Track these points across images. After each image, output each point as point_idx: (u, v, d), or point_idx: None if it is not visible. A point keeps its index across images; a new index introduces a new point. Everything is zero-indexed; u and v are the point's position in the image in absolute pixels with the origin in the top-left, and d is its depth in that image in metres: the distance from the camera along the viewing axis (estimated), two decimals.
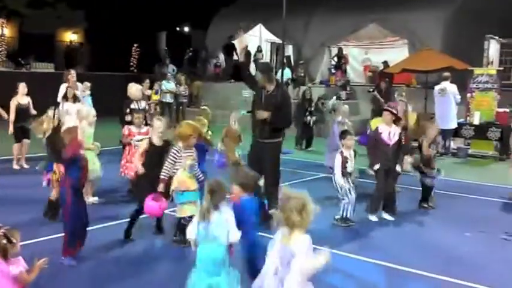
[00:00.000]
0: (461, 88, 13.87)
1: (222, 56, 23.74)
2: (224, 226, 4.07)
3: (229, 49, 21.52)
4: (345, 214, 7.27)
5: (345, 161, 7.22)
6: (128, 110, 8.57)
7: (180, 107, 18.95)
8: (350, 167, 7.26)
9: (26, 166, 10.60)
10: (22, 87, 10.64)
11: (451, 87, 13.56)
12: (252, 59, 21.11)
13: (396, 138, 7.53)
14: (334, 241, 6.50)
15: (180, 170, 6.09)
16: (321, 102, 15.68)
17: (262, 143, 7.03)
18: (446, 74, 13.84)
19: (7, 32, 24.10)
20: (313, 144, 14.36)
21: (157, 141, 6.45)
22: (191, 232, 4.18)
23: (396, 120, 7.66)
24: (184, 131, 6.13)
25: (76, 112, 8.42)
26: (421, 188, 8.48)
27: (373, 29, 20.43)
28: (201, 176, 6.22)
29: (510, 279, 5.69)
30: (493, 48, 16.24)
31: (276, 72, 15.91)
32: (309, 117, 14.39)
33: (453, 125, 13.58)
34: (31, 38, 24.91)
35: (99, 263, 5.69)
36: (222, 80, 21.96)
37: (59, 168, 6.71)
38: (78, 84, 12.37)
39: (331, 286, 5.04)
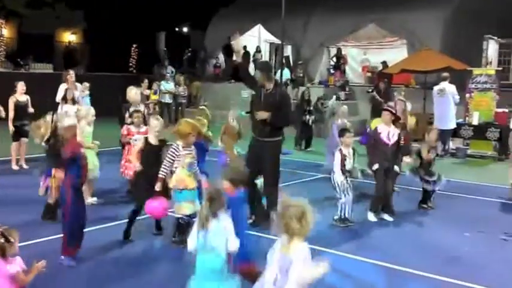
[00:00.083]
0: (460, 88, 13.88)
1: (221, 57, 23.76)
2: (222, 234, 4.04)
3: (229, 49, 21.52)
4: (343, 214, 7.27)
5: (343, 158, 7.24)
6: (127, 115, 8.58)
7: (179, 108, 18.96)
8: (349, 164, 7.28)
9: (25, 166, 10.58)
10: (21, 86, 10.64)
11: (450, 88, 13.57)
12: (251, 59, 21.14)
13: (395, 138, 7.54)
14: (333, 241, 6.53)
15: (179, 168, 6.08)
16: (320, 102, 15.68)
17: (262, 141, 6.98)
18: (445, 74, 13.85)
19: (6, 32, 24.09)
20: (313, 145, 14.36)
21: (153, 141, 6.45)
22: (191, 243, 4.14)
23: (395, 120, 7.68)
24: (183, 129, 6.12)
25: (75, 112, 8.42)
26: (419, 188, 8.49)
27: (372, 29, 20.44)
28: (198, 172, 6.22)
29: (509, 279, 5.70)
30: (491, 48, 16.24)
31: (275, 73, 15.92)
32: (307, 116, 14.41)
33: (452, 125, 13.59)
34: (30, 38, 24.87)
35: (98, 264, 5.69)
36: (221, 81, 21.96)
37: (57, 173, 6.58)
38: (77, 84, 12.37)
39: (329, 286, 5.04)
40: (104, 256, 5.93)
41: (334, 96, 16.12)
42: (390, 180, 7.69)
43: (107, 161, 9.14)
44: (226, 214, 4.15)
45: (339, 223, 7.29)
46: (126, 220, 6.45)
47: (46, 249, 5.69)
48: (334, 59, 21.35)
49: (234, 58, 7.73)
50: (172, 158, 6.08)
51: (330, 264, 3.59)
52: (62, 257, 5.51)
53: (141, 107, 9.02)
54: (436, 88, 13.88)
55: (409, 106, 10.03)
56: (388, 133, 7.53)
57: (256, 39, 23.47)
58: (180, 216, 6.13)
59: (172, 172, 6.13)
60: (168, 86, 18.66)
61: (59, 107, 10.20)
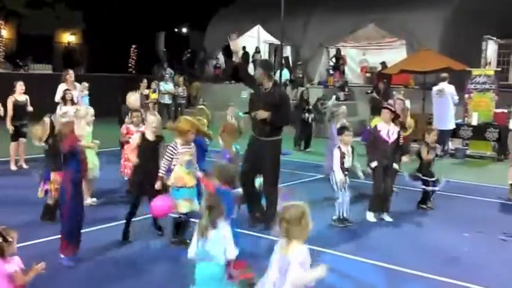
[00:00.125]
0: (459, 89, 13.90)
1: (221, 57, 23.76)
2: (221, 243, 4.02)
3: (229, 50, 21.51)
4: (341, 214, 7.28)
5: (342, 156, 7.24)
6: (127, 119, 8.60)
7: (179, 108, 18.95)
8: (347, 162, 7.29)
9: (25, 166, 10.56)
10: (19, 85, 10.63)
11: (449, 88, 13.59)
12: (250, 60, 21.14)
13: (395, 136, 7.54)
14: (332, 242, 6.53)
15: (177, 166, 6.07)
16: (320, 103, 15.69)
17: (262, 141, 6.93)
18: (444, 74, 13.86)
19: (5, 33, 24.08)
20: (312, 145, 14.35)
21: (150, 136, 6.42)
22: (191, 252, 4.13)
23: (395, 118, 7.69)
24: (182, 127, 6.11)
25: (74, 112, 8.41)
26: (419, 189, 8.48)
27: (371, 30, 20.46)
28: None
29: (508, 280, 5.70)
30: (490, 49, 16.28)
31: (275, 73, 15.93)
32: (307, 114, 14.42)
33: (451, 125, 13.61)
34: (29, 39, 24.87)
35: (97, 264, 5.68)
36: (221, 81, 21.96)
37: (56, 177, 6.54)
38: (76, 84, 12.35)
39: (328, 287, 5.04)
40: (104, 256, 5.92)
41: (334, 97, 16.12)
42: (389, 178, 7.68)
43: (107, 161, 9.14)
44: (225, 222, 4.14)
45: (338, 223, 7.29)
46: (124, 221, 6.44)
47: (45, 250, 5.69)
48: (334, 60, 21.38)
49: (234, 59, 7.76)
50: (171, 156, 6.07)
51: (328, 265, 3.60)
52: (62, 255, 5.50)
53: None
54: (435, 88, 13.89)
55: (408, 103, 10.01)
56: (388, 131, 7.54)
57: (255, 39, 23.48)
58: (176, 215, 6.13)
59: (170, 170, 6.13)
60: (167, 86, 18.65)
61: (58, 107, 10.18)
